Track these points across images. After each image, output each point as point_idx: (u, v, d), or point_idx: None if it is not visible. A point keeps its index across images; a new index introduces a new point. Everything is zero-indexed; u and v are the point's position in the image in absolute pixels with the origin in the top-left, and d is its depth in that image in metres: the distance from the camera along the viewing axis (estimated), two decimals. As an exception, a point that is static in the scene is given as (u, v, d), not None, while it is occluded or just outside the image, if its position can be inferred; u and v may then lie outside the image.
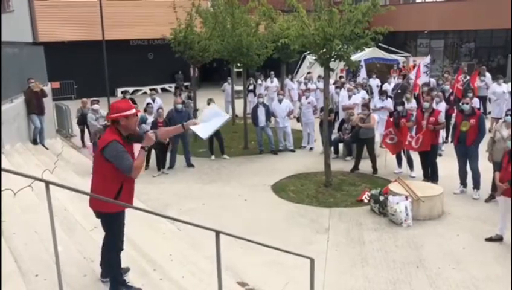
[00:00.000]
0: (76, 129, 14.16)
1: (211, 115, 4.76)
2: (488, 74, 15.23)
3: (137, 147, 4.27)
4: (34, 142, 11.27)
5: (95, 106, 11.79)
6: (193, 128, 4.59)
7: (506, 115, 7.96)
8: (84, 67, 22.08)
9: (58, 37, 21.34)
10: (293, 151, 12.35)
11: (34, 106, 11.27)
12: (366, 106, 10.89)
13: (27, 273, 4.41)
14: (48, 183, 3.43)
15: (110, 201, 4.05)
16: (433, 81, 15.46)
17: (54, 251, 3.59)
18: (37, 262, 4.63)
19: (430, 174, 9.22)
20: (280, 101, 12.44)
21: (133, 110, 4.21)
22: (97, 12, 17.19)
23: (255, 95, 15.75)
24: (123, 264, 4.58)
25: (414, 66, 16.93)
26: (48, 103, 12.80)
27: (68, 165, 10.30)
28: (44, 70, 14.19)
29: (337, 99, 14.00)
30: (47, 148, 11.35)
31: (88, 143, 11.14)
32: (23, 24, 21.05)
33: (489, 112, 14.13)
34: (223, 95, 17.84)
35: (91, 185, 4.32)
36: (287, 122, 12.32)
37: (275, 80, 17.69)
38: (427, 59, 15.47)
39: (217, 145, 11.82)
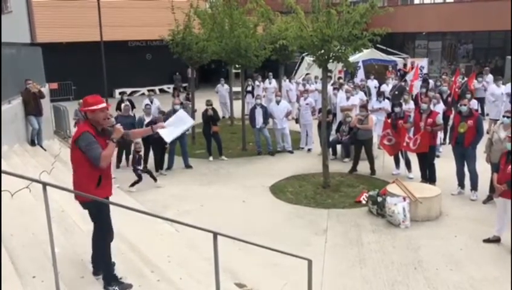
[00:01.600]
0: (74, 130, 14.14)
1: (178, 121, 5.16)
2: (490, 75, 15.27)
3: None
4: (32, 143, 11.24)
5: None
6: (160, 131, 4.94)
7: (504, 116, 7.97)
8: (82, 68, 22.04)
9: (56, 38, 21.30)
10: (291, 152, 12.36)
11: (32, 107, 11.23)
12: (364, 107, 10.90)
13: (24, 275, 4.40)
14: (45, 184, 3.43)
15: (101, 200, 4.13)
16: (431, 82, 15.50)
17: (51, 252, 3.59)
18: (34, 263, 4.62)
19: (428, 175, 9.24)
20: (278, 102, 12.45)
21: (100, 106, 4.40)
22: (95, 13, 17.20)
23: (253, 96, 15.74)
24: (122, 266, 4.58)
25: (412, 68, 16.98)
26: (46, 104, 12.76)
27: (66, 166, 10.25)
28: (42, 71, 14.15)
29: (335, 101, 14.00)
30: (45, 150, 11.32)
31: None
32: (21, 25, 21.01)
33: (488, 114, 14.17)
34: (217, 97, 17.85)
35: (73, 178, 4.44)
36: (285, 124, 12.32)
37: (273, 81, 17.69)
38: (424, 61, 15.53)
39: (215, 146, 11.82)
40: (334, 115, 13.28)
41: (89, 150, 4.26)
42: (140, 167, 9.67)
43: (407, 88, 13.69)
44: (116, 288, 4.46)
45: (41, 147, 11.41)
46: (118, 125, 4.58)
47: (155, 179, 9.80)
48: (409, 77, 14.89)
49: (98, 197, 4.24)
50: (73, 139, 4.41)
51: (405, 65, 21.22)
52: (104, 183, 4.47)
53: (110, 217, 4.57)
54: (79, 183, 4.37)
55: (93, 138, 4.31)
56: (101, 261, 4.59)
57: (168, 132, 5.03)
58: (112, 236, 4.65)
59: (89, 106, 4.39)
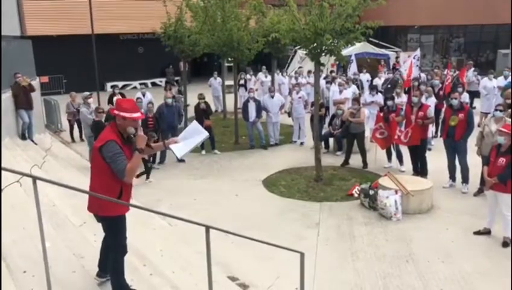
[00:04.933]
0: (65, 124, 14.05)
1: (192, 132, 4.65)
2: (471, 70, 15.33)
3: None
4: (23, 137, 11.14)
5: (90, 100, 11.37)
6: (172, 146, 4.47)
7: (496, 109, 8.02)
8: (73, 61, 21.84)
9: (46, 31, 21.06)
10: (276, 144, 12.35)
11: (22, 100, 11.13)
12: (356, 100, 10.92)
13: (15, 270, 4.37)
14: (35, 178, 3.39)
15: (107, 199, 3.94)
16: (423, 76, 15.54)
17: (42, 247, 3.55)
18: (25, 259, 4.60)
19: (420, 168, 9.29)
20: (272, 96, 12.42)
21: (134, 115, 4.05)
22: (86, 6, 17.03)
23: (246, 90, 15.69)
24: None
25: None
26: (37, 97, 12.64)
27: (57, 160, 10.20)
28: (32, 64, 14.02)
29: (328, 94, 14.01)
30: (36, 144, 11.23)
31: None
32: (11, 17, 20.71)
33: (475, 107, 14.26)
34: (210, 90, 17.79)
35: (90, 186, 4.16)
36: (279, 117, 12.33)
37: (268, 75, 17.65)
38: (417, 52, 15.59)
39: (208, 140, 11.76)
40: (327, 108, 13.29)
41: (114, 162, 3.92)
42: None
43: (401, 80, 13.73)
44: None
45: (32, 141, 11.31)
46: (141, 133, 4.11)
47: (147, 176, 9.50)
48: (403, 68, 14.88)
49: (112, 213, 4.02)
50: (97, 145, 4.03)
51: (397, 58, 21.28)
52: (125, 196, 4.15)
53: (125, 231, 4.33)
54: (97, 193, 3.98)
55: (120, 148, 3.96)
56: (112, 273, 4.32)
57: (181, 147, 4.52)
58: (126, 249, 4.38)
59: (122, 111, 4.03)
